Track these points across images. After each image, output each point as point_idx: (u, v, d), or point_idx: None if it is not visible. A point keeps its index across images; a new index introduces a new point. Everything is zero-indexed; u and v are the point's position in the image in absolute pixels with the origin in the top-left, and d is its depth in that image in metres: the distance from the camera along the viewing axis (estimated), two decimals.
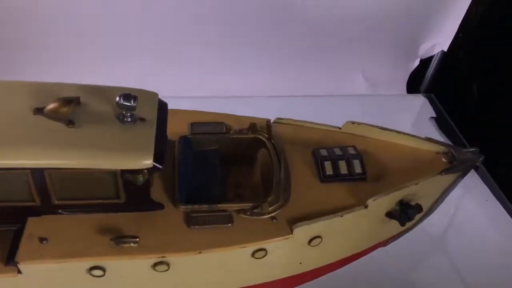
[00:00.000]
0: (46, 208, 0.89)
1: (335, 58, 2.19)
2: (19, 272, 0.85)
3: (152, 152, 0.86)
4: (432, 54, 2.22)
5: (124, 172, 0.85)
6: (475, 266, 1.39)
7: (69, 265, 0.85)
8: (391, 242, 1.21)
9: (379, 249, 1.20)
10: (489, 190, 1.68)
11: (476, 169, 1.72)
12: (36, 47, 1.83)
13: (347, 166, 1.04)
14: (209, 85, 2.00)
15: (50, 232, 0.88)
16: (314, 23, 2.03)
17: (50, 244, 0.86)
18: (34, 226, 0.88)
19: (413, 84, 2.35)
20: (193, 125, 1.13)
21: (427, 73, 2.31)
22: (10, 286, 0.88)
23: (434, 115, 2.11)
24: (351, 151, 1.07)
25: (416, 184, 1.00)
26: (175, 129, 1.09)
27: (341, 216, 0.95)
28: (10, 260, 0.85)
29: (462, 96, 2.15)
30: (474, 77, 2.01)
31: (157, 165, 0.87)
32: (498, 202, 1.64)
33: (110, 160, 0.84)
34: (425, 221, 1.47)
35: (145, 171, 0.86)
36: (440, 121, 2.07)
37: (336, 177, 1.03)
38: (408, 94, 2.34)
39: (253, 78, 2.10)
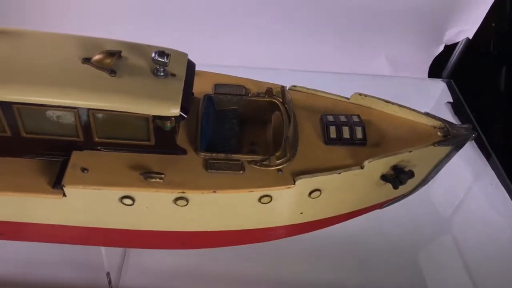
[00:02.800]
0: (88, 144, 1.05)
1: (360, 38, 2.27)
2: (64, 195, 1.03)
3: (180, 103, 1.01)
4: (457, 40, 2.28)
5: (155, 117, 1.01)
6: (478, 249, 1.47)
7: (105, 192, 1.02)
8: (387, 205, 1.33)
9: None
10: (498, 180, 1.74)
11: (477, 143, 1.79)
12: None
13: (349, 132, 1.16)
14: (238, 54, 2.12)
15: (91, 164, 1.04)
16: (344, 3, 2.12)
17: (90, 173, 1.02)
18: (77, 158, 1.05)
19: (436, 69, 2.39)
20: (216, 86, 1.27)
21: (450, 59, 2.35)
22: (56, 206, 1.05)
23: (451, 101, 2.18)
24: (355, 119, 1.19)
25: (410, 151, 1.11)
26: (201, 89, 1.23)
27: (339, 173, 1.09)
28: (57, 184, 1.02)
29: (482, 84, 2.19)
30: (500, 66, 2.04)
31: (183, 114, 1.01)
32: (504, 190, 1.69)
33: (144, 106, 0.99)
34: (435, 203, 1.59)
35: (173, 118, 1.01)
36: (456, 107, 2.14)
37: (339, 140, 1.15)
38: (429, 78, 2.38)
39: (280, 50, 2.20)
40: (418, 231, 1.50)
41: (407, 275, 1.37)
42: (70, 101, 0.98)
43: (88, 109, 0.99)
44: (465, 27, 2.23)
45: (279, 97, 1.24)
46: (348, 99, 1.28)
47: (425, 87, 2.32)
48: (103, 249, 1.22)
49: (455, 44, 2.30)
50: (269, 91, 1.25)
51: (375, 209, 1.32)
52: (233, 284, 1.32)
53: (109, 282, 1.29)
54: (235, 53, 2.13)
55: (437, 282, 1.36)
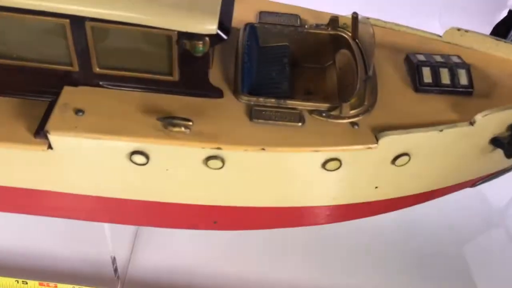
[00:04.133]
0: (86, 77, 0.76)
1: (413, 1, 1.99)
2: (50, 147, 0.73)
3: (218, 17, 0.69)
4: None
5: (181, 36, 0.69)
6: None
7: (107, 143, 0.72)
8: (481, 183, 1.01)
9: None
10: None
11: None
12: None
13: (450, 76, 0.85)
14: None
15: (88, 104, 0.74)
16: None
17: (86, 117, 0.73)
18: (70, 96, 0.75)
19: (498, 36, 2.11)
20: (262, 14, 0.96)
21: None
22: (39, 163, 0.76)
23: None
24: (455, 59, 0.87)
25: None
26: (241, 17, 0.92)
27: (440, 130, 0.77)
28: (40, 130, 0.72)
29: None
30: None
31: (221, 34, 0.70)
32: None
33: (167, 18, 0.68)
34: (487, 193, 1.33)
35: (207, 38, 0.69)
36: None
37: (436, 86, 0.84)
38: None
39: None
40: (467, 223, 1.31)
41: (454, 269, 1.19)
42: (58, 5, 0.67)
43: (85, 19, 0.68)
44: None
45: (348, 30, 0.91)
46: (441, 36, 0.95)
47: None
48: (106, 226, 0.93)
49: None
50: (334, 21, 0.93)
51: (466, 186, 1.00)
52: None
53: (115, 270, 1.00)
54: None
55: (485, 277, 1.19)
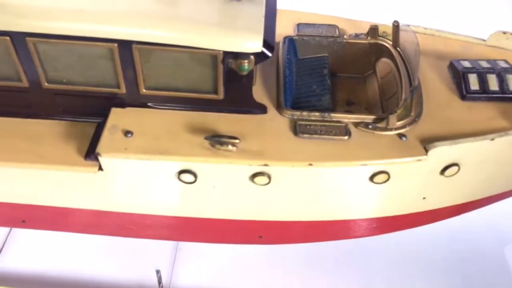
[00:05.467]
0: (133, 98, 0.76)
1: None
2: (100, 168, 0.74)
3: (262, 34, 0.69)
4: None
5: (226, 55, 0.69)
6: None
7: (156, 164, 0.72)
8: None
9: None
10: None
11: None
12: None
13: (498, 82, 0.82)
14: None
15: (136, 125, 0.75)
16: None
17: (135, 138, 0.73)
18: (118, 117, 0.76)
19: None
20: (300, 26, 0.95)
21: None
22: (90, 184, 0.77)
23: None
24: (503, 64, 0.85)
25: None
26: (279, 30, 0.90)
27: (492, 139, 0.74)
28: (90, 152, 0.73)
29: None
30: None
31: (266, 52, 0.70)
32: None
33: (212, 38, 0.68)
34: None
35: (252, 57, 0.69)
36: None
37: (484, 93, 0.81)
38: None
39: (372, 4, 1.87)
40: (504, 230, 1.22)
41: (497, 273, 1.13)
42: (106, 30, 0.68)
43: (132, 42, 0.69)
44: None
45: (388, 39, 0.90)
46: (485, 40, 0.92)
47: None
48: (153, 242, 0.93)
49: None
50: (374, 30, 0.91)
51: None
52: None
53: (159, 281, 1.00)
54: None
55: None
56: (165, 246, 1.08)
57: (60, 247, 1.08)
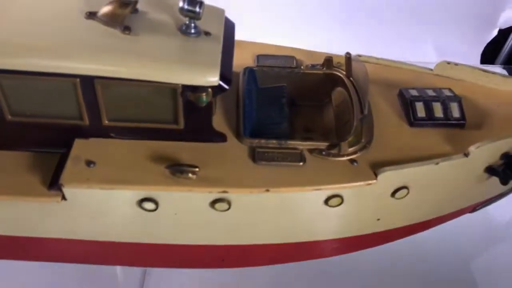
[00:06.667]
0: (96, 129, 0.79)
1: (405, 22, 2.04)
2: (64, 198, 0.76)
3: (219, 68, 0.73)
4: None
5: (185, 89, 0.73)
6: None
7: (118, 193, 0.74)
8: (480, 208, 1.04)
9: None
10: None
11: None
12: None
13: (442, 109, 0.88)
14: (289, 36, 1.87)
15: (99, 156, 0.77)
16: None
17: (98, 168, 0.75)
18: (81, 148, 0.78)
19: (489, 56, 2.15)
20: (259, 57, 1.00)
21: (506, 45, 2.11)
22: (54, 214, 0.78)
23: None
24: (447, 92, 0.91)
25: None
26: (240, 61, 0.96)
27: (436, 163, 0.80)
28: (54, 183, 0.75)
29: None
30: None
31: (223, 85, 0.74)
32: None
33: (171, 73, 0.71)
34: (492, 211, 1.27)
35: (210, 90, 0.73)
36: None
37: (429, 120, 0.87)
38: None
39: (321, 35, 1.96)
40: (471, 242, 1.26)
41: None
42: (68, 65, 0.71)
43: (94, 78, 0.72)
44: None
45: (342, 69, 0.95)
46: (431, 70, 0.99)
47: None
48: (118, 268, 0.94)
49: (511, 28, 2.06)
50: (328, 61, 0.97)
51: (465, 213, 1.03)
52: None
53: None
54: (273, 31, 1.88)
55: None
56: (133, 271, 1.09)
57: (26, 277, 1.08)
